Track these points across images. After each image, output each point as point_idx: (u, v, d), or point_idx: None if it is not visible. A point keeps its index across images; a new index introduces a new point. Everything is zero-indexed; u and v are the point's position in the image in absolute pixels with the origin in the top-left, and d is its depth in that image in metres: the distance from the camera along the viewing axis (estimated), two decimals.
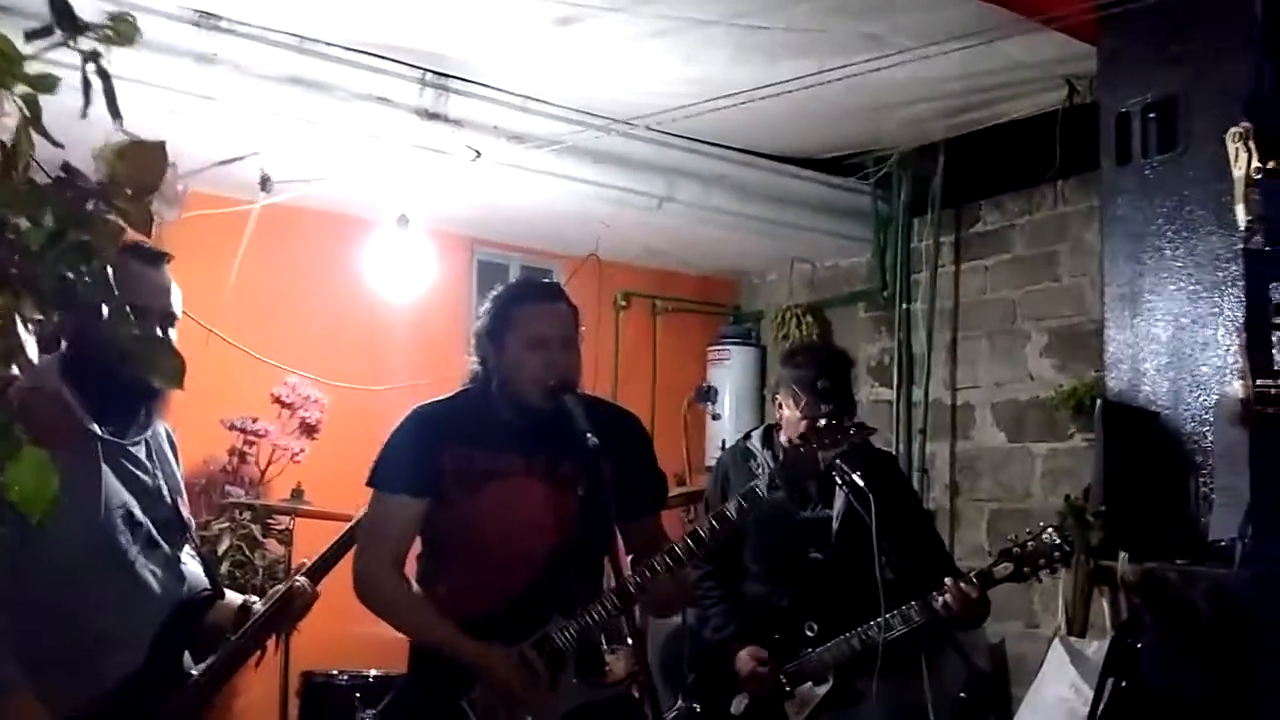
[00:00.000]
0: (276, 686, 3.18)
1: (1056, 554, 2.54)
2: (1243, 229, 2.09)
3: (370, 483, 2.14)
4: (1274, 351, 1.97)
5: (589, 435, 1.96)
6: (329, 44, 3.44)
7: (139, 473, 1.90)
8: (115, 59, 0.88)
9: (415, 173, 3.81)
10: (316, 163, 3.74)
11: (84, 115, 0.76)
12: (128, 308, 1.77)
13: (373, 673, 3.34)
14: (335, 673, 3.41)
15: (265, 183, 3.59)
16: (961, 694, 2.55)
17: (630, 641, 2.07)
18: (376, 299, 4.25)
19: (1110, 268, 2.94)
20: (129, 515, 1.84)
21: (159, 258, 1.89)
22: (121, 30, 0.77)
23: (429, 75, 3.64)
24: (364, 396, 4.13)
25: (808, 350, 3.43)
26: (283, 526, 3.62)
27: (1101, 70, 3.10)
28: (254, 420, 3.90)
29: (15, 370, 0.72)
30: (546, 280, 2.30)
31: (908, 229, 4.68)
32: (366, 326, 4.36)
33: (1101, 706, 2.53)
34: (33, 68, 0.74)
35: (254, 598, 2.09)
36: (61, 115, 0.84)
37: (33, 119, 0.73)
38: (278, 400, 3.98)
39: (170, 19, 3.13)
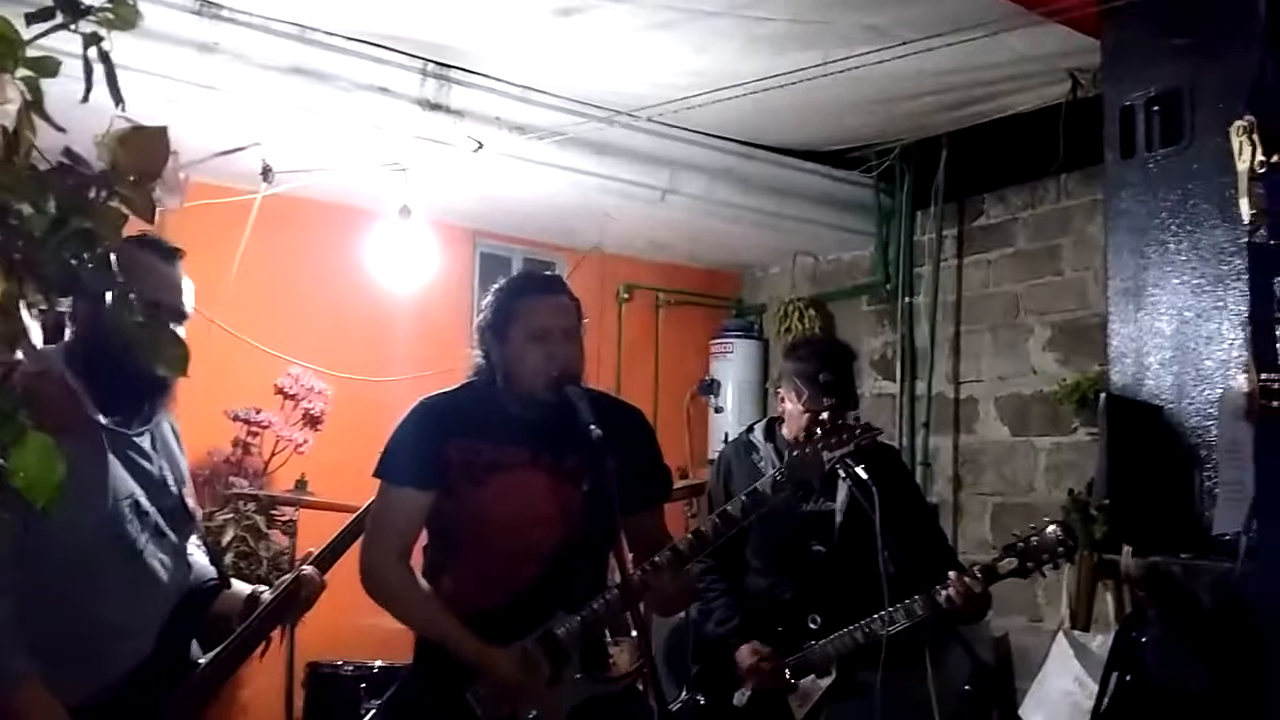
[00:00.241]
0: (282, 677, 3.18)
1: (1060, 549, 2.54)
2: (1247, 223, 2.08)
3: (376, 474, 2.15)
4: (1278, 345, 1.97)
5: (593, 428, 1.95)
6: (330, 33, 3.43)
7: (144, 463, 1.90)
8: (116, 48, 0.88)
9: (417, 164, 3.80)
10: (318, 153, 3.73)
11: (85, 99, 0.75)
12: (140, 300, 1.79)
13: (378, 664, 3.35)
14: (340, 663, 3.42)
15: (267, 173, 3.58)
16: (966, 686, 2.54)
17: (635, 634, 2.06)
18: (379, 290, 4.25)
19: (1114, 261, 2.93)
20: (136, 505, 1.85)
21: (173, 253, 1.90)
22: (122, 14, 0.76)
23: (430, 65, 3.63)
24: (367, 387, 4.13)
25: (810, 343, 3.43)
26: (287, 518, 3.63)
27: (1105, 63, 3.08)
28: (257, 411, 3.90)
29: (19, 355, 0.71)
30: (548, 273, 2.30)
31: (911, 222, 4.67)
32: (369, 318, 4.35)
33: (1106, 700, 2.52)
34: (33, 51, 0.74)
35: (262, 587, 2.10)
36: (61, 103, 0.84)
37: (34, 103, 0.73)
38: (281, 391, 3.98)
39: (171, 7, 3.13)
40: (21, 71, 0.72)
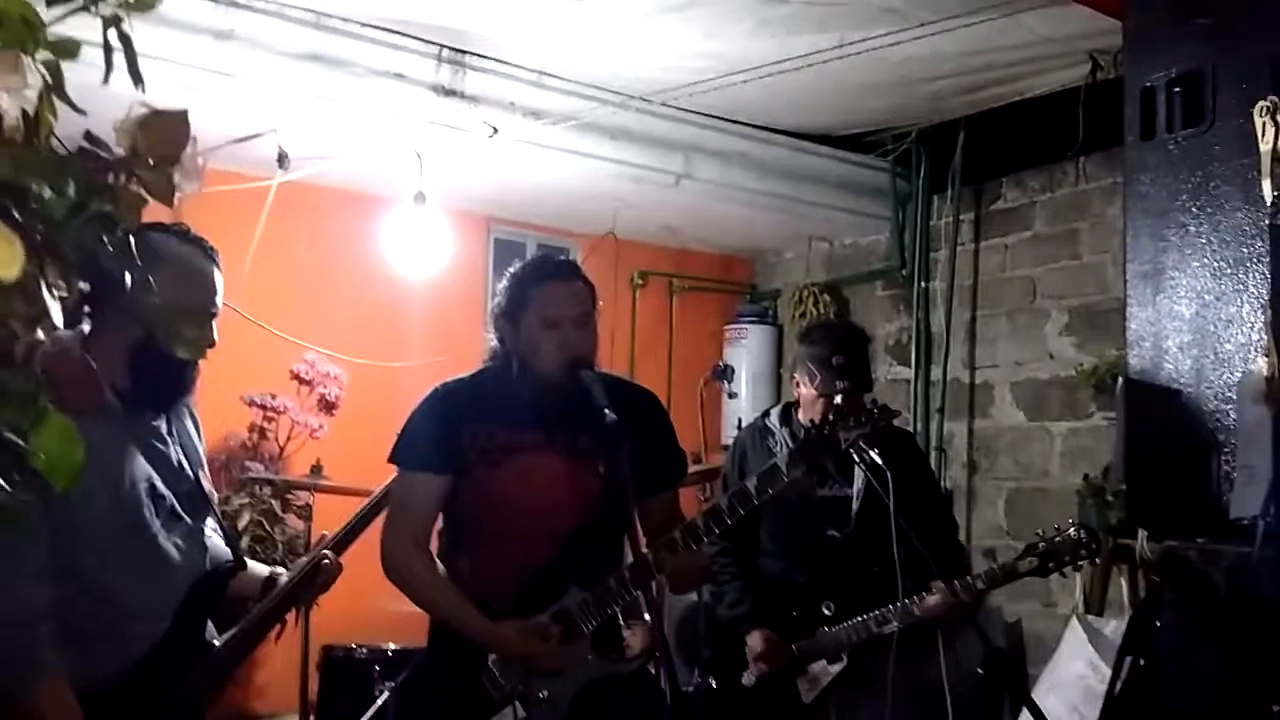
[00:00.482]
0: (297, 659, 3.22)
1: (1083, 550, 2.54)
2: (1269, 205, 2.06)
3: (393, 459, 2.16)
4: None
5: (608, 413, 1.96)
6: (345, 20, 3.43)
7: (161, 447, 1.92)
8: (134, 35, 0.88)
9: (432, 150, 3.81)
10: (334, 140, 3.74)
11: (105, 81, 0.76)
12: (185, 297, 1.79)
13: (391, 647, 3.37)
14: (354, 646, 3.44)
15: (283, 159, 3.59)
16: (979, 669, 2.55)
17: (648, 617, 2.07)
18: (394, 276, 4.26)
19: (1133, 244, 2.91)
20: (152, 489, 1.86)
21: (213, 253, 1.92)
22: None
23: (445, 51, 3.63)
24: (382, 373, 4.15)
25: (824, 327, 3.42)
26: (302, 502, 3.65)
27: (1127, 44, 3.05)
28: (273, 396, 3.92)
29: (40, 335, 0.72)
30: (562, 258, 2.30)
31: (927, 206, 4.65)
32: (384, 304, 4.37)
33: (1119, 684, 2.52)
34: (53, 34, 0.74)
35: (280, 569, 2.12)
36: (79, 89, 0.85)
37: (55, 85, 0.73)
38: (297, 377, 4.00)
39: None
40: (42, 54, 0.73)
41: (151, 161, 0.81)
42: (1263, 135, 2.05)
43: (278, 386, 3.98)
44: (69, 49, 0.74)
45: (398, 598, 2.25)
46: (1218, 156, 2.67)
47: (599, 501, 2.09)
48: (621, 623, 2.17)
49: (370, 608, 2.91)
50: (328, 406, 4.02)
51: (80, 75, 0.82)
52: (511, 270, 2.20)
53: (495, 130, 3.71)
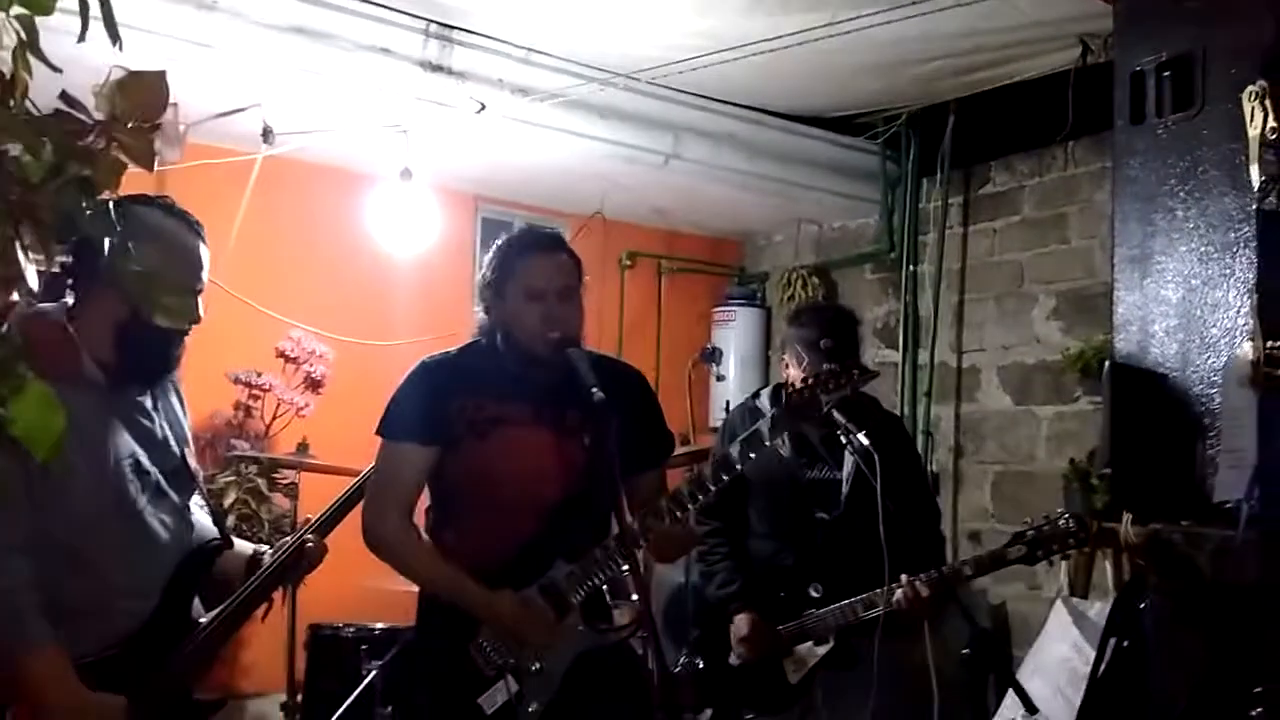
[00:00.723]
0: (284, 639, 3.21)
1: (1071, 540, 2.55)
2: (1256, 190, 2.06)
3: (379, 432, 2.15)
4: None
5: (595, 390, 1.95)
6: None
7: (146, 422, 1.90)
8: (114, 3, 0.86)
9: (419, 126, 3.77)
10: (319, 115, 3.70)
11: (82, 39, 0.74)
12: (169, 269, 1.77)
13: (378, 625, 3.37)
14: (342, 625, 3.44)
15: (267, 134, 3.55)
16: (965, 650, 2.56)
17: (634, 595, 2.07)
18: (381, 254, 4.23)
19: (1121, 229, 2.91)
20: (137, 465, 1.85)
21: (199, 227, 1.90)
22: None
23: (433, 26, 3.59)
24: (369, 351, 4.13)
25: (812, 310, 3.41)
26: (288, 481, 3.64)
27: (1117, 27, 3.04)
28: (259, 374, 3.90)
29: (15, 297, 0.71)
30: (548, 230, 2.28)
31: (916, 190, 4.64)
32: (370, 282, 4.34)
33: (1103, 667, 2.54)
34: None
35: (264, 547, 2.10)
36: (58, 59, 0.82)
37: (29, 43, 0.71)
38: (282, 354, 3.97)
39: None
40: (16, 9, 0.71)
41: (131, 125, 0.80)
42: (1251, 120, 2.05)
43: (263, 364, 3.95)
44: (42, 4, 0.72)
45: (385, 576, 2.24)
46: (1206, 141, 2.67)
47: (584, 475, 2.09)
48: (609, 601, 2.17)
49: (358, 587, 2.90)
50: (314, 385, 3.99)
51: (55, 44, 0.80)
52: (498, 242, 2.19)
53: (483, 106, 3.68)
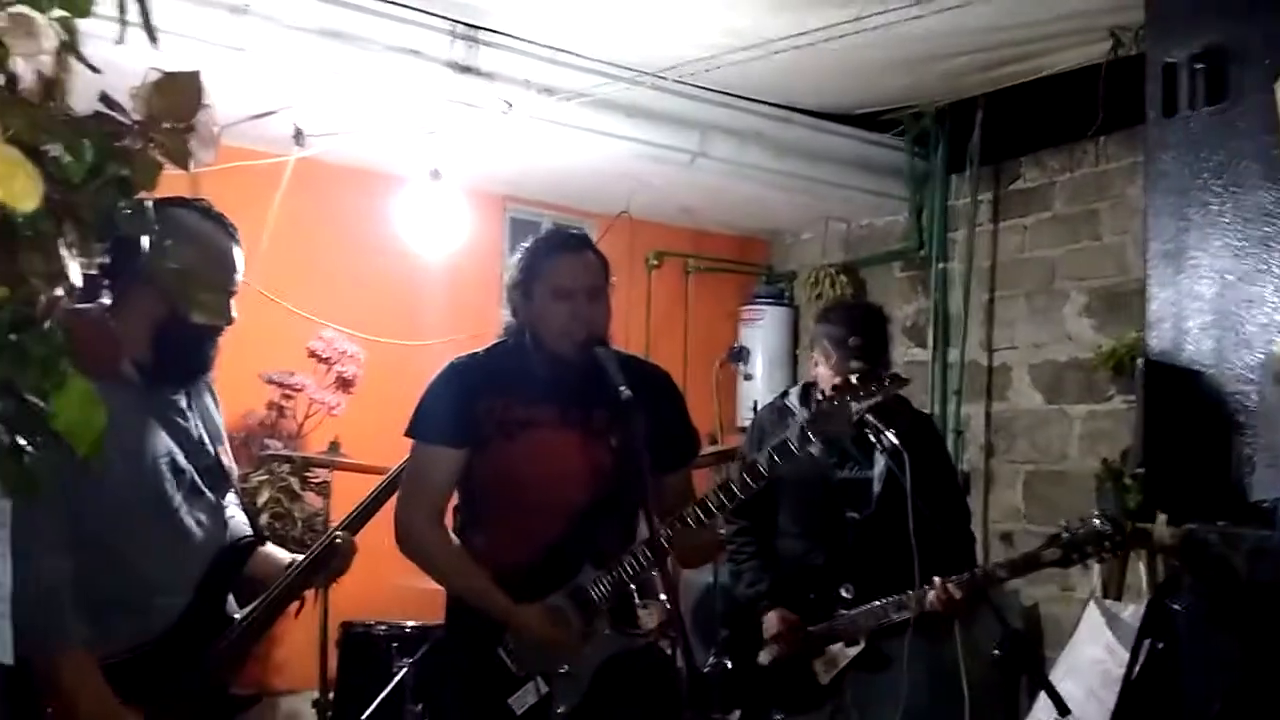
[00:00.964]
0: (316, 637, 3.24)
1: (1107, 543, 2.52)
2: None
3: (409, 433, 2.17)
4: None
5: (623, 390, 1.96)
6: None
7: (181, 421, 1.93)
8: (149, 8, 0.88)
9: (447, 127, 3.80)
10: (349, 117, 3.74)
11: (120, 40, 0.75)
12: (206, 270, 1.80)
13: (410, 624, 3.39)
14: (374, 623, 3.47)
15: (299, 136, 3.59)
16: (996, 651, 2.54)
17: (663, 595, 2.08)
18: (411, 255, 4.26)
19: (1153, 224, 2.87)
20: (173, 463, 1.88)
21: (233, 230, 1.93)
22: None
23: (460, 27, 3.61)
24: (399, 351, 4.16)
25: (841, 307, 3.41)
26: (321, 479, 3.67)
27: (1149, 19, 3.00)
28: (291, 374, 3.94)
29: (60, 293, 0.72)
30: (574, 231, 2.29)
31: (945, 186, 4.61)
32: (401, 282, 4.38)
33: (1137, 669, 2.51)
34: None
35: (300, 557, 2.12)
36: (95, 61, 0.84)
37: (69, 44, 0.73)
38: (314, 355, 4.02)
39: None
40: (56, 11, 0.73)
41: (167, 125, 0.81)
42: None
43: (296, 364, 4.00)
44: (82, 6, 0.74)
45: (416, 574, 2.26)
46: (1241, 133, 2.63)
47: (612, 476, 2.09)
48: (638, 602, 2.18)
49: (389, 585, 2.92)
50: (345, 384, 4.03)
51: (90, 49, 0.81)
52: (525, 244, 2.20)
53: (510, 106, 3.70)
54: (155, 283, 1.63)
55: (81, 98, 0.87)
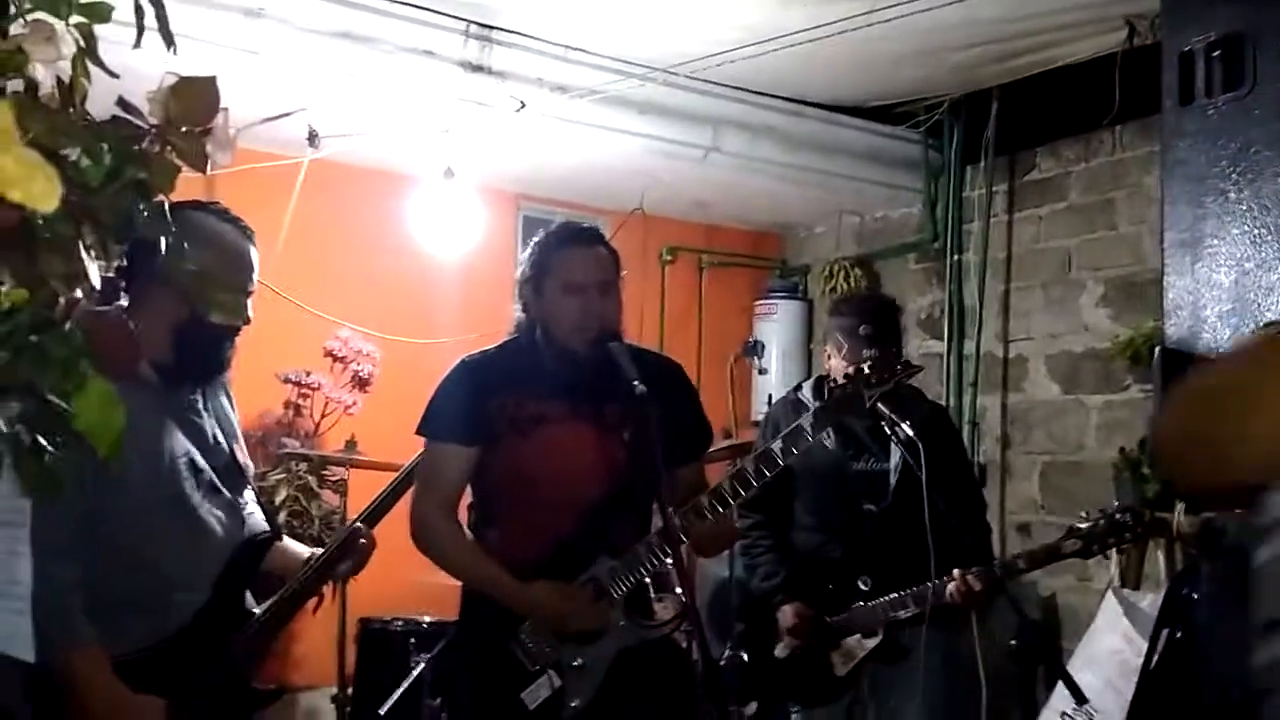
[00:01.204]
0: (334, 633, 3.27)
1: (1127, 534, 2.51)
2: None
3: (420, 431, 2.18)
4: None
5: (637, 384, 1.96)
6: None
7: (198, 420, 1.95)
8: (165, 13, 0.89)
9: (461, 127, 3.81)
10: (363, 118, 3.76)
11: (137, 45, 0.77)
12: (223, 271, 1.82)
13: (427, 619, 3.42)
14: (391, 619, 3.49)
15: (313, 138, 3.62)
16: (1013, 641, 2.54)
17: (679, 589, 2.08)
18: (425, 254, 4.28)
19: (1170, 212, 2.85)
20: (191, 463, 1.90)
21: (249, 231, 1.95)
22: None
23: (473, 27, 3.62)
24: (414, 350, 4.18)
25: (852, 299, 3.41)
26: (338, 478, 3.70)
27: (1164, 7, 2.98)
28: (308, 374, 3.97)
29: (79, 294, 0.74)
30: (585, 225, 2.28)
31: (960, 178, 4.58)
32: (415, 281, 4.40)
33: (1155, 658, 2.50)
34: None
35: (319, 550, 2.15)
36: (112, 67, 0.85)
37: (88, 50, 0.74)
38: (330, 354, 4.04)
39: None
40: (75, 18, 0.74)
41: (184, 129, 0.82)
42: None
43: (312, 364, 4.02)
44: (101, 13, 0.75)
45: (433, 571, 2.27)
46: (1258, 121, 2.61)
47: (626, 470, 2.10)
48: (652, 595, 2.18)
49: (406, 581, 2.95)
50: (361, 383, 4.06)
51: (107, 55, 0.83)
52: (536, 238, 2.21)
53: (523, 105, 3.71)
54: (173, 284, 1.65)
55: (100, 104, 0.88)
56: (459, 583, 2.26)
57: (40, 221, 0.68)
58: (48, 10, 0.72)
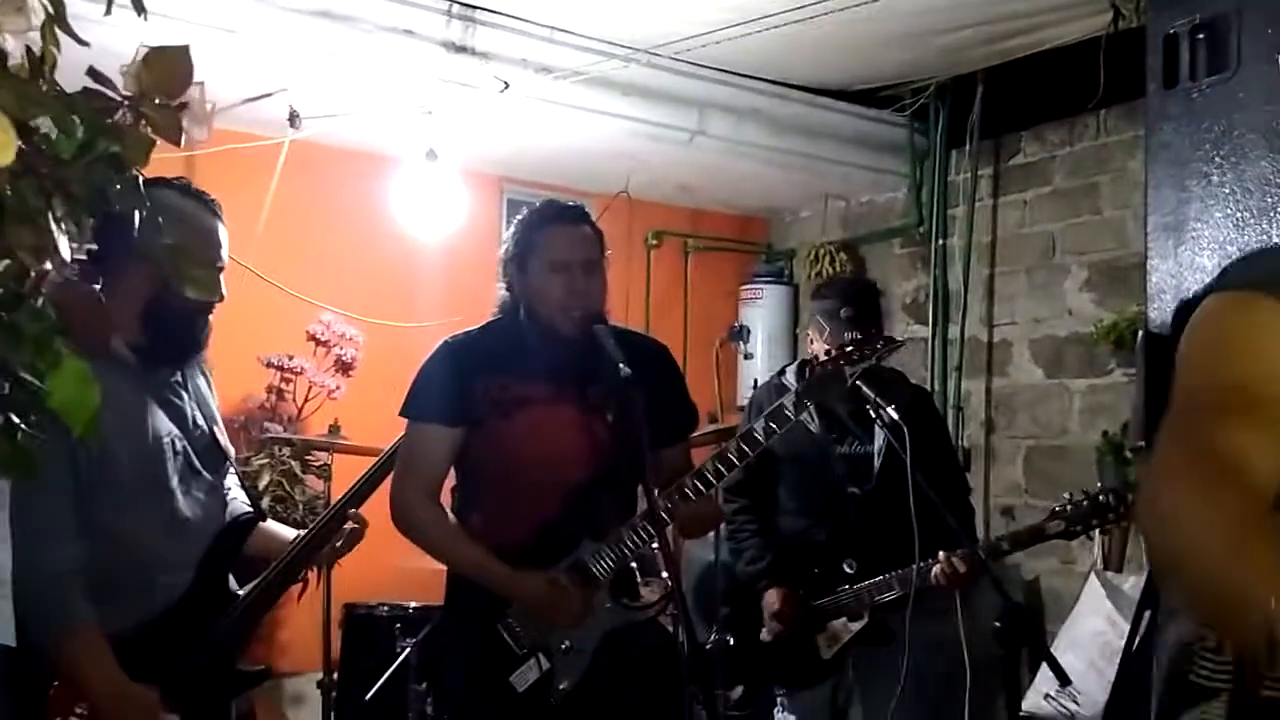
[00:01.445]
0: (319, 618, 3.25)
1: (1110, 515, 2.53)
2: None
3: (403, 413, 2.16)
4: None
5: (623, 366, 1.95)
6: None
7: (177, 401, 1.93)
8: None
9: (443, 108, 3.78)
10: (345, 98, 3.71)
11: (108, 12, 0.74)
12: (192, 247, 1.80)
13: (412, 604, 3.40)
14: (376, 605, 3.48)
15: (294, 119, 3.57)
16: (997, 623, 2.55)
17: (664, 574, 2.08)
18: (408, 237, 4.25)
19: (1154, 196, 2.86)
20: (173, 444, 1.88)
21: (215, 206, 1.92)
22: None
23: (455, 6, 3.58)
24: (397, 333, 4.15)
25: (833, 282, 3.41)
26: (321, 462, 3.68)
27: None
28: (290, 358, 3.94)
29: (48, 266, 0.72)
30: (570, 203, 2.25)
31: (945, 162, 4.58)
32: (399, 264, 4.37)
33: (1137, 640, 2.51)
34: None
35: (303, 532, 2.13)
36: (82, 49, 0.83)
37: (57, 17, 0.72)
38: (313, 338, 4.01)
39: None
40: None
41: (158, 101, 0.80)
42: None
43: (294, 348, 3.99)
44: None
45: (418, 556, 2.26)
46: (1242, 104, 2.61)
47: (610, 452, 2.09)
48: (638, 580, 2.18)
49: (391, 566, 2.93)
50: (344, 367, 4.03)
51: (85, 33, 0.81)
52: (519, 217, 2.19)
53: (506, 86, 3.67)
54: (146, 259, 1.62)
55: (73, 84, 0.86)
56: (444, 567, 2.25)
57: (9, 192, 0.66)
58: None
